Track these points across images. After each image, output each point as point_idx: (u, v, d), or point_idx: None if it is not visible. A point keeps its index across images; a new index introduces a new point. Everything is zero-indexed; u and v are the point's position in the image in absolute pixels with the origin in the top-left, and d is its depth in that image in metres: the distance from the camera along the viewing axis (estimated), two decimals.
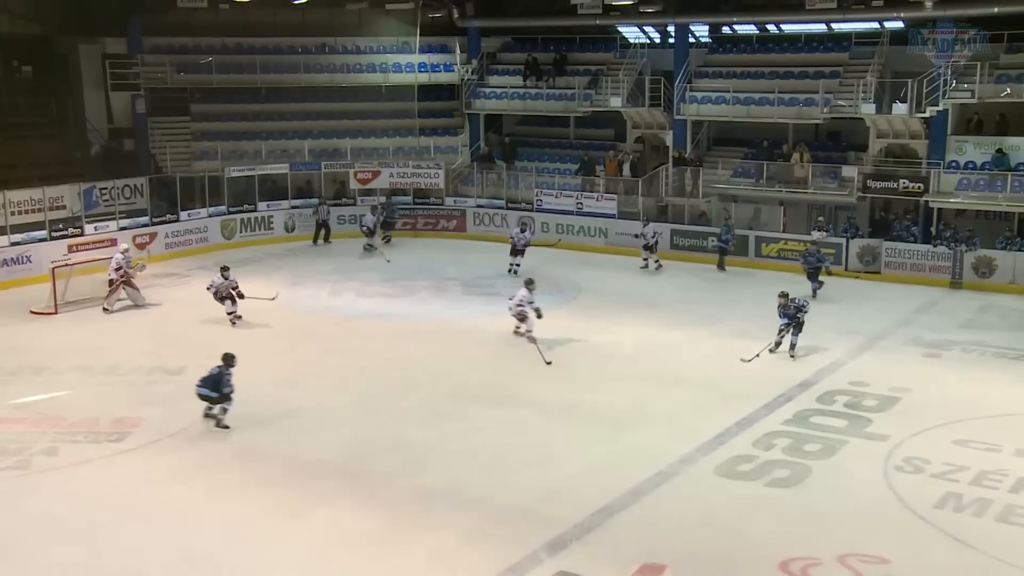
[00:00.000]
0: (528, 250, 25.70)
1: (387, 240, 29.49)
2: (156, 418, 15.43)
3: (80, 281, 22.23)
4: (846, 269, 25.56)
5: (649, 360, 18.57)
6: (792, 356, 17.57)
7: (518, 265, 25.41)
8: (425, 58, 33.97)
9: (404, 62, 33.94)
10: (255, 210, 30.09)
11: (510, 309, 19.49)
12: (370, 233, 28.64)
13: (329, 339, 20.09)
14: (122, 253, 22.26)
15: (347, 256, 27.71)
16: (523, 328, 19.43)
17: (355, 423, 15.39)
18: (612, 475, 13.34)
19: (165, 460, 14.00)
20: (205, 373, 15.01)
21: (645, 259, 26.29)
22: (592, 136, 33.22)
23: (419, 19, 33.37)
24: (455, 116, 34.35)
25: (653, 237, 26.44)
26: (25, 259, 24.40)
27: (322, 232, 29.92)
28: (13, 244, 24.45)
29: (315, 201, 30.64)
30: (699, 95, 29.66)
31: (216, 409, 15.02)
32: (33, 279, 23.44)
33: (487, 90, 33.51)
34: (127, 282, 21.98)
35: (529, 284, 19.70)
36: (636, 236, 26.83)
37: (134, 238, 26.55)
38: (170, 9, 31.30)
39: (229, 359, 15.08)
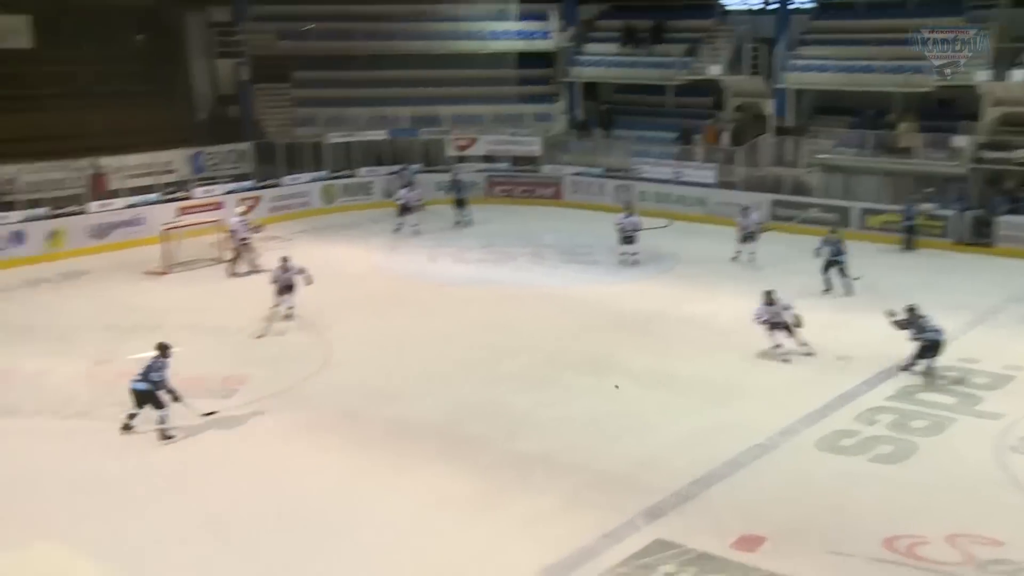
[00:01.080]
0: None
1: (464, 219, 27.82)
2: (261, 377, 15.88)
3: (189, 243, 22.92)
4: (956, 242, 24.80)
5: (747, 332, 18.21)
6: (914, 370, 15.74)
7: (635, 254, 23.18)
8: (523, 25, 33.89)
9: (502, 29, 33.90)
10: (354, 176, 30.54)
11: (757, 321, 16.99)
12: (406, 210, 26.91)
13: (426, 304, 20.34)
14: (238, 216, 22.74)
15: (445, 221, 27.92)
16: (795, 335, 16.76)
17: (452, 388, 15.59)
18: (709, 446, 13.27)
19: (270, 418, 14.41)
20: (142, 368, 13.66)
21: (738, 251, 23.48)
22: (691, 104, 32.70)
23: None
24: (552, 84, 34.23)
25: (756, 225, 23.61)
26: (139, 221, 25.29)
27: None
28: (128, 207, 25.36)
29: (399, 166, 30.78)
30: (801, 63, 28.96)
31: (155, 418, 13.58)
32: (146, 240, 24.26)
33: (584, 58, 33.29)
34: (244, 246, 22.39)
35: (769, 294, 16.83)
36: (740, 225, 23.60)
37: (239, 202, 27.23)
38: None
39: (163, 348, 13.77)
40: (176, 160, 27.08)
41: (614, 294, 21.01)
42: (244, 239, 22.32)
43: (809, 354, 16.58)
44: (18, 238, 23.39)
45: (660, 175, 29.71)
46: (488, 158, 31.98)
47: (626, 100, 34.30)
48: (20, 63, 28.53)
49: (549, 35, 33.77)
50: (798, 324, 16.66)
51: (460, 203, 28.03)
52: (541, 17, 34.06)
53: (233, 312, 19.21)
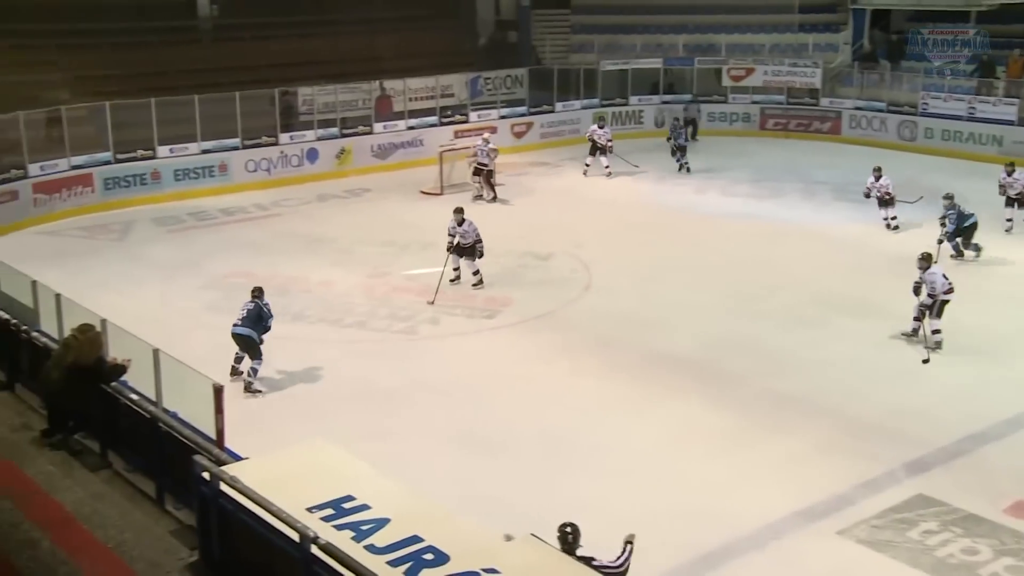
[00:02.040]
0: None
1: (684, 167, 25.52)
2: (524, 300, 16.39)
3: (463, 165, 23.76)
4: None
5: None
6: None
7: (894, 218, 20.38)
8: None
9: None
10: (627, 103, 30.46)
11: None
12: (596, 150, 25.01)
13: (691, 236, 20.14)
14: (483, 140, 23.26)
15: (715, 154, 27.39)
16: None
17: (712, 321, 15.47)
18: (986, 401, 12.54)
19: (531, 339, 14.89)
20: (242, 313, 12.98)
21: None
22: (996, 33, 30.00)
23: None
24: (838, 11, 32.42)
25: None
26: (419, 142, 26.51)
27: (689, 129, 29.58)
28: (409, 128, 26.61)
29: (687, 98, 30.38)
30: None
31: (245, 370, 12.99)
32: (424, 161, 25.30)
33: None
34: (481, 172, 22.74)
35: (927, 259, 14.64)
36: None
37: (512, 127, 27.97)
38: None
39: (258, 292, 13.10)
40: (455, 84, 28.03)
41: (889, 235, 19.95)
42: (483, 164, 22.77)
43: (929, 348, 14.13)
44: (312, 155, 25.14)
45: (951, 111, 27.65)
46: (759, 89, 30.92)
47: (920, 28, 31.98)
48: None
49: None
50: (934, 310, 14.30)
51: (681, 148, 25.67)
52: None
53: (500, 235, 19.77)
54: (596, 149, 25.10)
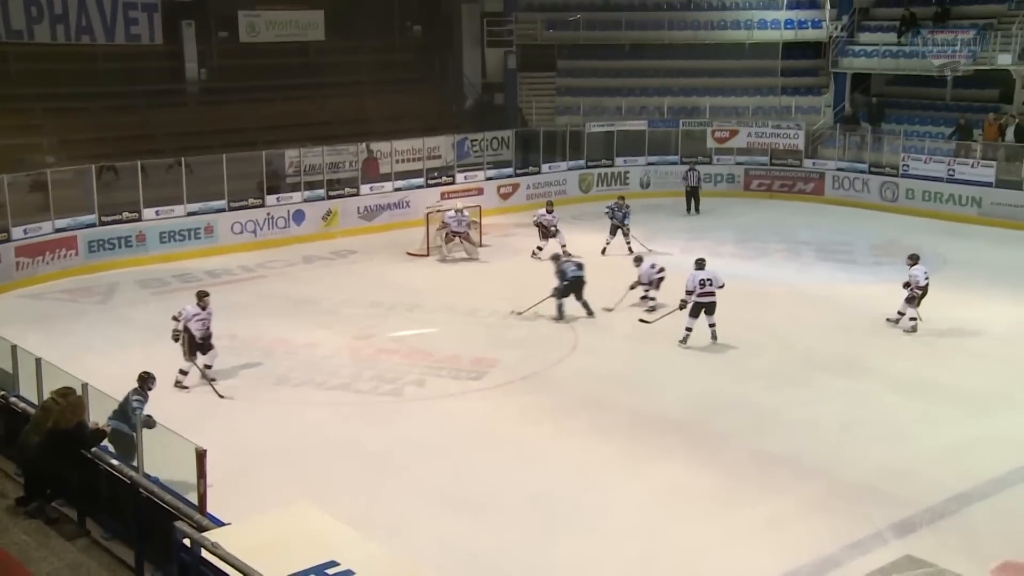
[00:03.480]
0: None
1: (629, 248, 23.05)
2: (511, 361, 16.35)
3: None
4: None
5: (1022, 341, 17.06)
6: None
7: (913, 319, 17.64)
8: (792, 14, 32.79)
9: (770, 19, 32.97)
10: (612, 165, 30.76)
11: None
12: (546, 234, 23.13)
13: (676, 296, 20.10)
14: (455, 211, 23.40)
15: (704, 216, 27.62)
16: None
17: (698, 381, 15.48)
18: (971, 461, 12.50)
19: (517, 401, 14.83)
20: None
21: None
22: (972, 97, 30.52)
23: None
24: (820, 75, 32.97)
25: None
26: (405, 204, 26.65)
27: (692, 202, 28.16)
28: (396, 190, 26.78)
29: (682, 165, 29.71)
30: None
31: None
32: (410, 223, 25.39)
33: (857, 48, 31.78)
34: (461, 236, 23.09)
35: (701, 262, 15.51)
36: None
37: (499, 188, 28.17)
38: None
39: (144, 380, 11.28)
40: (442, 146, 28.27)
41: (873, 295, 19.99)
42: (458, 232, 23.00)
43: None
44: (298, 217, 25.21)
45: (931, 172, 28.01)
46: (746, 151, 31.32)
47: (899, 92, 32.48)
48: (312, 54, 30.84)
49: (820, 24, 32.50)
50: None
51: (623, 229, 23.56)
52: (812, 5, 32.86)
53: (486, 295, 19.85)
54: (546, 234, 23.27)
